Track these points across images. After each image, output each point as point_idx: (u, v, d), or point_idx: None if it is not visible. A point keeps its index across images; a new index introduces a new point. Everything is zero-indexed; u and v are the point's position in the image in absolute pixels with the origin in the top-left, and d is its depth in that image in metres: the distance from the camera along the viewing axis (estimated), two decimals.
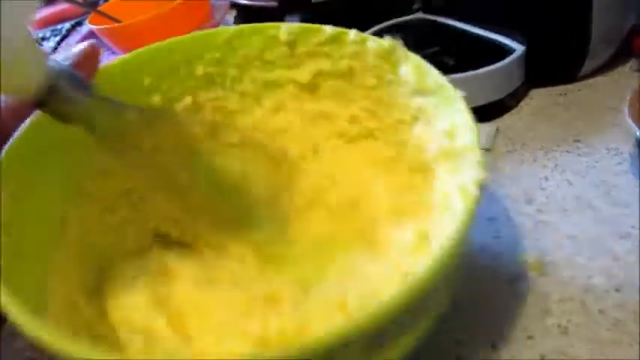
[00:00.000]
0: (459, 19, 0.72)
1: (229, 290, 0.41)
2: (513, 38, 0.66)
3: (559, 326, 0.41)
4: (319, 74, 0.50)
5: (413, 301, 0.27)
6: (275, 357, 0.25)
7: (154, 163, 0.44)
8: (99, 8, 0.96)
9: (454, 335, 0.42)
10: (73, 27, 1.10)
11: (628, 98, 0.52)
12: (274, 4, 0.82)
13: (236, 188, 0.50)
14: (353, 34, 0.46)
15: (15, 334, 0.34)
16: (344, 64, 0.48)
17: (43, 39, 1.08)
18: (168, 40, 0.48)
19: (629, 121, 0.50)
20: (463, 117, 0.37)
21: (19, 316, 0.28)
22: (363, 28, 0.47)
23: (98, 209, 0.45)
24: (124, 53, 0.49)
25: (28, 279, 0.34)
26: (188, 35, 0.49)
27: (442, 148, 0.40)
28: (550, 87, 0.69)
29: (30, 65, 0.33)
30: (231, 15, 0.99)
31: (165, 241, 0.48)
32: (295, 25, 0.48)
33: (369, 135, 0.50)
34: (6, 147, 0.38)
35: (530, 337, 0.41)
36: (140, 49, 0.48)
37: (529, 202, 0.53)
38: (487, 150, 0.60)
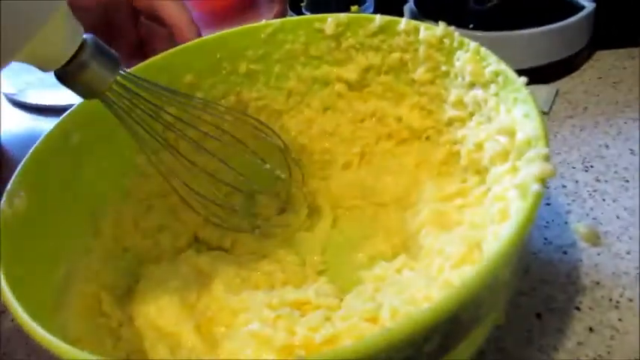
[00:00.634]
0: None
1: (261, 295, 0.39)
2: None
3: (610, 299, 0.39)
4: (368, 70, 0.47)
5: (448, 318, 0.24)
6: None
7: (194, 165, 0.43)
8: None
9: None
10: None
11: None
12: None
13: (277, 193, 0.49)
14: (404, 22, 0.43)
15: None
16: (394, 57, 0.45)
17: None
18: (211, 36, 0.48)
19: None
20: (526, 107, 0.33)
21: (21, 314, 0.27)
22: None
23: (135, 210, 0.44)
24: None
25: (46, 277, 0.34)
26: (231, 30, 0.47)
27: (501, 145, 0.36)
28: (617, 49, 0.64)
29: (65, 36, 0.32)
30: None
31: (203, 245, 0.47)
32: (342, 16, 0.46)
33: (422, 135, 0.47)
34: (39, 140, 0.38)
35: (577, 309, 0.39)
36: (183, 45, 0.47)
37: (586, 169, 0.50)
38: (545, 114, 0.56)
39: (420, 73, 0.44)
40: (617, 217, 0.45)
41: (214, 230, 0.47)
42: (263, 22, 0.47)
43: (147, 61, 0.46)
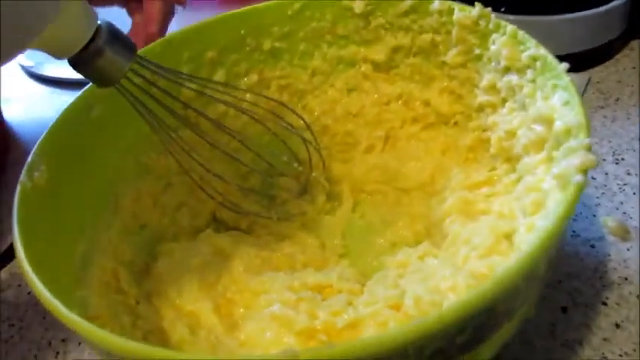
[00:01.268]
0: None
1: (282, 277, 0.39)
2: None
3: (638, 296, 0.38)
4: (397, 51, 0.46)
5: (485, 309, 0.23)
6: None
7: (214, 142, 0.42)
8: None
9: None
10: None
11: None
12: None
13: (296, 176, 0.48)
14: (438, 2, 0.42)
15: None
16: (425, 38, 0.44)
17: None
18: (236, 11, 0.46)
19: None
20: (567, 95, 0.32)
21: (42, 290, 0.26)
22: None
23: (154, 187, 0.43)
24: None
25: (66, 252, 0.33)
26: (256, 6, 0.46)
27: (536, 134, 0.35)
28: None
29: (79, 22, 0.31)
30: None
31: (221, 225, 0.46)
32: None
33: (450, 120, 0.46)
34: (60, 112, 0.37)
35: (604, 304, 0.38)
36: (206, 20, 0.46)
37: (617, 162, 0.48)
38: None
39: (452, 55, 0.43)
40: None
41: (232, 211, 0.47)
42: None
43: (167, 36, 0.46)
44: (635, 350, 0.36)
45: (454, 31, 0.41)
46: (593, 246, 0.43)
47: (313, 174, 0.47)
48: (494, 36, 0.39)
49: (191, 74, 0.42)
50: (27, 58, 0.78)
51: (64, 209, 0.35)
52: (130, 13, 0.57)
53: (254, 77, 0.47)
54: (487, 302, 0.23)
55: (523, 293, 0.26)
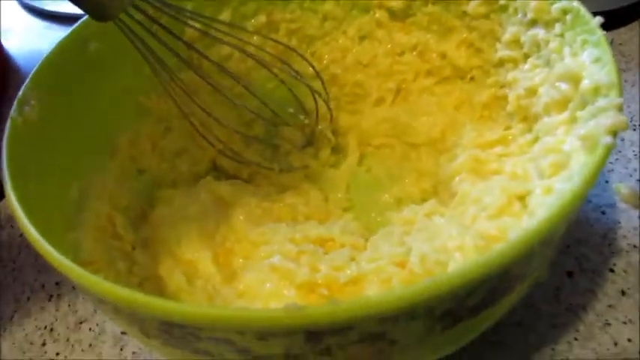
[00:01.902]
0: None
1: (283, 228, 0.38)
2: None
3: None
4: None
5: (499, 272, 0.22)
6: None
7: (217, 86, 0.41)
8: None
9: None
10: None
11: None
12: None
13: (304, 125, 0.46)
14: None
15: None
16: None
17: None
18: None
19: None
20: (598, 52, 0.30)
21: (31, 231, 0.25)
22: None
23: (153, 130, 0.42)
24: None
25: (58, 194, 0.32)
26: None
27: (560, 92, 0.33)
28: None
29: None
30: None
31: (222, 174, 0.45)
32: None
33: (466, 75, 0.44)
34: (53, 46, 0.35)
35: (611, 271, 0.38)
36: None
37: (634, 128, 0.46)
38: None
39: (474, 5, 0.40)
40: None
41: (235, 157, 0.45)
42: None
43: None
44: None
45: None
46: (603, 212, 0.42)
47: (319, 127, 0.46)
48: None
49: (195, 12, 0.40)
50: None
51: (56, 148, 0.33)
52: None
53: (262, 19, 0.45)
54: (503, 265, 0.22)
55: (538, 258, 0.25)
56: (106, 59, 0.38)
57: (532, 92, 0.37)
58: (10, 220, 0.47)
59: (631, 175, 0.44)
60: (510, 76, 0.39)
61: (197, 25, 0.40)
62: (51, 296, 0.41)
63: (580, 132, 0.28)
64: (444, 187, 0.40)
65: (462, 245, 0.32)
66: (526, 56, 0.38)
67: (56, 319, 0.40)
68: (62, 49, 0.35)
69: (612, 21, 0.56)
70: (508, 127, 0.40)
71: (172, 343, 0.24)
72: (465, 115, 0.43)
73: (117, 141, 0.39)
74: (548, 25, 0.35)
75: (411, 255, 0.33)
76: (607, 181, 0.44)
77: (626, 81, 0.51)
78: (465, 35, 0.43)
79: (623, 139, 0.46)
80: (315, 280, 0.33)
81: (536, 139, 0.36)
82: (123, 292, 0.22)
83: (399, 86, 0.47)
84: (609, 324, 0.36)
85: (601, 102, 0.28)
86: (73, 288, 0.41)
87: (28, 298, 0.41)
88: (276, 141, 0.47)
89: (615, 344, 0.35)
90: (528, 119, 0.38)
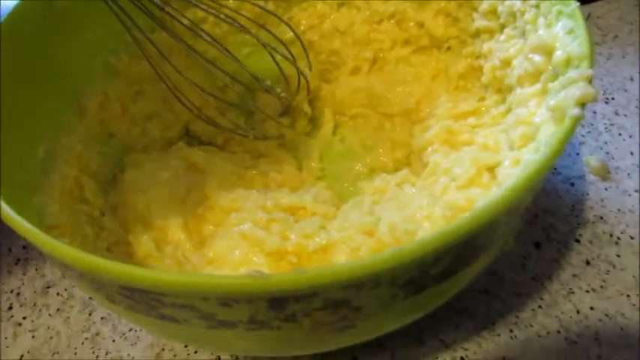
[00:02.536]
0: None
1: (255, 196, 0.37)
2: None
3: (611, 235, 0.39)
4: None
5: (464, 241, 0.23)
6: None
7: (191, 50, 0.40)
8: None
9: None
10: None
11: None
12: None
13: (271, 89, 0.44)
14: None
15: None
16: None
17: None
18: None
19: None
20: (572, 23, 0.30)
21: None
22: None
23: (124, 93, 0.41)
24: None
25: (23, 155, 0.31)
26: None
27: (533, 64, 0.33)
28: None
29: None
30: None
31: (195, 140, 0.45)
32: None
33: (443, 44, 0.43)
34: (17, 3, 0.33)
35: (577, 241, 0.39)
36: None
37: (607, 101, 0.47)
38: None
39: None
40: (631, 154, 0.44)
41: (207, 125, 0.44)
42: None
43: None
44: (602, 287, 0.37)
45: None
46: (572, 184, 0.42)
47: (298, 96, 0.45)
48: None
49: None
50: None
51: (21, 107, 0.32)
52: None
53: None
54: (467, 234, 0.22)
55: (504, 227, 0.26)
56: (73, 15, 0.36)
57: (507, 63, 0.37)
58: None
59: (601, 148, 0.44)
60: (486, 46, 0.39)
61: None
62: (18, 260, 0.41)
63: (550, 103, 0.28)
64: (417, 158, 0.41)
65: (430, 215, 0.33)
66: (502, 27, 0.37)
67: (23, 283, 0.40)
68: (28, 5, 0.34)
69: None
70: (482, 99, 0.40)
71: (137, 309, 0.24)
72: (441, 85, 0.43)
73: (85, 101, 0.38)
74: None
75: (379, 224, 0.33)
76: (578, 154, 0.44)
77: (600, 54, 0.51)
78: (442, 4, 0.42)
79: (595, 112, 0.47)
80: (284, 248, 0.33)
81: (509, 111, 0.37)
82: (83, 256, 0.21)
83: (376, 55, 0.46)
84: (573, 292, 0.37)
85: (571, 73, 0.28)
86: (41, 253, 0.41)
87: None
88: (252, 108, 0.46)
89: (578, 312, 0.36)
90: (502, 91, 0.38)
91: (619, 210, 0.40)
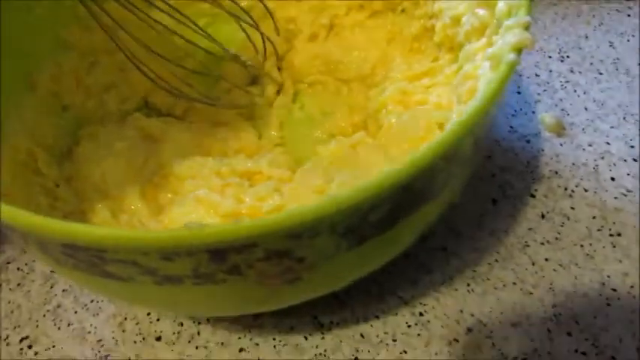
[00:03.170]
0: None
1: (210, 162, 0.37)
2: None
3: (565, 189, 0.40)
4: None
5: (397, 187, 0.23)
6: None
7: (149, 21, 0.39)
8: None
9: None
10: None
11: None
12: None
13: (236, 58, 0.45)
14: None
15: None
16: None
17: None
18: None
19: None
20: None
21: None
22: None
23: (77, 65, 0.40)
24: None
25: None
26: None
27: (479, 18, 0.33)
28: None
29: None
30: None
31: (154, 112, 0.44)
32: None
33: (397, 7, 0.44)
34: None
35: (532, 196, 0.40)
36: None
37: (562, 60, 0.48)
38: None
39: None
40: (585, 109, 0.44)
41: (166, 95, 0.44)
42: None
43: None
44: (557, 239, 0.38)
45: None
46: (528, 141, 0.43)
47: (266, 62, 0.45)
48: None
49: None
50: None
51: None
52: None
53: None
54: (402, 180, 0.23)
55: (443, 173, 0.26)
56: None
57: (456, 21, 0.37)
58: None
59: (557, 105, 0.45)
60: (437, 6, 0.39)
61: None
62: None
63: (489, 52, 0.29)
64: (373, 120, 0.41)
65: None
66: None
67: None
68: None
69: None
70: (436, 59, 0.41)
71: (81, 268, 0.24)
72: (396, 48, 0.43)
73: (36, 74, 0.38)
74: None
75: (332, 184, 0.34)
76: (534, 112, 0.45)
77: (556, 14, 0.52)
78: None
79: (551, 71, 0.47)
80: (238, 210, 0.33)
81: (460, 68, 0.37)
82: (21, 214, 0.22)
83: (332, 21, 0.46)
84: (528, 245, 0.38)
85: (508, 21, 0.28)
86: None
87: None
88: (220, 77, 0.45)
89: (533, 264, 0.37)
90: (454, 49, 0.39)
91: (573, 164, 0.41)
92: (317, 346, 0.34)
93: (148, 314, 0.36)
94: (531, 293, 0.35)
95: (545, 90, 0.46)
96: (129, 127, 0.40)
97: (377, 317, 0.35)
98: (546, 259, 0.37)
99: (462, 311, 0.35)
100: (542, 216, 0.39)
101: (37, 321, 0.36)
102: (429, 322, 0.35)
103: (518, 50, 0.27)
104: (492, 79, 0.26)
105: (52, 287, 0.38)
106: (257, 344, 0.35)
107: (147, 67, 0.40)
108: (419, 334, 0.34)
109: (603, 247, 0.37)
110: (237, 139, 0.41)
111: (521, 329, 0.34)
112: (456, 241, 0.38)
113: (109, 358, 0.35)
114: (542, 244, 0.38)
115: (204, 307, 0.30)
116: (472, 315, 0.35)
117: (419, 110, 0.37)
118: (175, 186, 0.36)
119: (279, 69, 0.47)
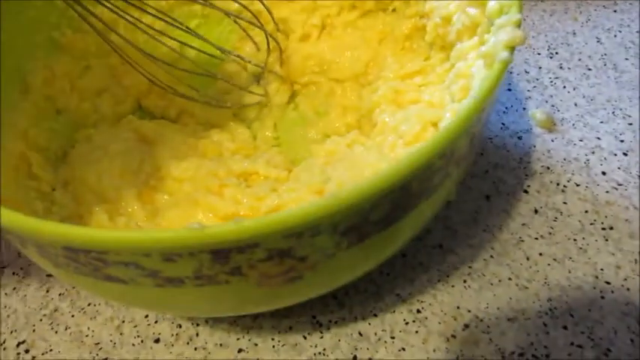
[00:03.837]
0: None
1: (207, 164, 0.37)
2: None
3: (558, 184, 0.40)
4: None
5: (397, 186, 0.23)
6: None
7: (140, 25, 0.39)
8: None
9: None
10: None
11: None
12: None
13: (225, 62, 0.45)
14: None
15: None
16: None
17: None
18: None
19: None
20: None
21: None
22: None
23: (70, 69, 0.40)
24: None
25: None
26: None
27: (470, 18, 0.34)
28: None
29: None
30: None
31: (147, 115, 0.44)
32: None
33: (388, 7, 0.44)
34: None
35: (526, 192, 0.40)
36: None
37: (551, 56, 0.49)
38: None
39: None
40: (575, 105, 0.45)
41: (159, 99, 0.44)
42: None
43: None
44: (550, 233, 0.38)
45: None
46: (520, 137, 0.43)
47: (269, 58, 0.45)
48: None
49: None
50: None
51: None
52: None
53: None
54: (401, 179, 0.23)
55: (440, 172, 0.26)
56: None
57: (447, 20, 0.37)
58: None
59: (547, 101, 0.45)
60: (428, 5, 0.40)
61: None
62: None
63: (482, 50, 0.29)
64: (367, 120, 0.41)
65: (378, 171, 0.33)
66: None
67: None
68: None
69: None
70: (428, 58, 0.41)
71: (82, 271, 0.24)
72: (388, 47, 0.44)
73: (29, 78, 0.37)
74: None
75: (329, 184, 0.34)
76: (525, 108, 0.45)
77: (544, 10, 0.52)
78: None
79: (540, 67, 0.48)
80: (237, 212, 0.33)
81: (452, 67, 0.37)
82: (20, 218, 0.21)
83: (324, 21, 0.46)
84: (522, 240, 0.38)
85: (500, 19, 0.28)
86: None
87: None
88: (223, 79, 0.45)
89: (528, 259, 0.37)
90: (446, 48, 0.39)
91: (565, 159, 0.42)
92: (316, 345, 0.34)
93: (146, 316, 0.36)
94: (526, 288, 0.36)
95: (535, 86, 0.47)
96: (123, 129, 0.40)
97: (375, 315, 0.35)
98: (540, 254, 0.37)
99: (458, 307, 0.35)
100: (536, 211, 0.39)
101: (33, 325, 0.36)
102: (426, 318, 0.35)
103: (511, 48, 0.27)
104: (487, 77, 0.26)
105: (48, 291, 0.38)
106: (256, 344, 0.35)
107: (142, 68, 0.40)
108: (417, 331, 0.35)
109: (596, 240, 0.37)
110: (233, 141, 0.41)
111: (518, 324, 0.34)
112: (452, 238, 0.38)
113: None
114: (536, 239, 0.38)
115: (205, 308, 0.30)
116: (469, 311, 0.35)
117: (412, 109, 0.37)
118: (172, 188, 0.36)
119: (282, 64, 0.47)
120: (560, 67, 0.48)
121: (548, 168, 0.41)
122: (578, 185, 0.40)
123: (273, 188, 0.35)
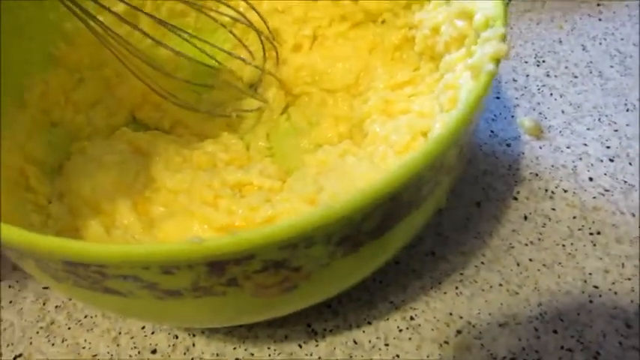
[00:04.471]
0: None
1: (202, 175, 0.38)
2: None
3: (546, 190, 0.41)
4: None
5: (387, 197, 0.24)
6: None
7: (133, 36, 0.40)
8: None
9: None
10: None
11: None
12: None
13: (222, 71, 0.46)
14: None
15: None
16: None
17: None
18: None
19: None
20: None
21: None
22: None
23: (64, 82, 0.40)
24: None
25: None
26: None
27: (458, 29, 0.34)
28: None
29: None
30: None
31: (141, 127, 0.44)
32: None
33: (377, 18, 0.45)
34: None
35: (515, 199, 0.41)
36: None
37: (538, 64, 0.50)
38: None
39: None
40: (562, 112, 0.46)
41: (153, 110, 0.45)
42: None
43: None
44: (539, 239, 0.39)
45: None
46: (509, 145, 0.44)
47: (267, 69, 0.45)
48: None
49: None
50: None
51: None
52: None
53: None
54: (391, 191, 0.24)
55: (430, 182, 0.27)
56: (5, 7, 0.36)
57: (436, 31, 0.38)
58: None
59: (534, 109, 0.46)
60: (417, 17, 0.41)
61: None
62: None
63: (468, 62, 0.30)
64: (358, 129, 0.42)
65: (370, 181, 0.34)
66: None
67: None
68: None
69: None
70: (417, 68, 0.42)
71: (82, 284, 0.25)
72: (378, 58, 0.44)
73: (26, 93, 0.38)
74: None
75: (322, 193, 0.34)
76: (513, 116, 0.46)
77: (531, 20, 0.54)
78: None
79: (527, 75, 0.49)
80: (232, 222, 0.34)
81: (441, 77, 0.38)
82: (19, 232, 0.22)
83: (315, 33, 0.47)
84: (513, 247, 0.39)
85: (486, 33, 0.29)
86: None
87: None
88: (226, 84, 0.46)
89: (518, 265, 0.38)
90: (435, 58, 0.40)
91: (552, 166, 0.43)
92: (311, 354, 0.35)
93: (143, 328, 0.36)
94: (517, 293, 0.37)
95: (523, 94, 0.47)
96: (117, 141, 0.40)
97: (369, 323, 0.36)
98: (530, 260, 0.38)
99: (451, 314, 0.36)
100: (525, 217, 0.40)
101: (30, 338, 0.36)
102: (419, 325, 0.36)
103: (497, 60, 0.28)
104: (473, 88, 0.27)
105: (44, 304, 0.38)
106: (252, 354, 0.35)
107: (142, 74, 0.41)
108: (410, 338, 0.35)
109: (584, 245, 0.38)
110: (226, 151, 0.42)
111: (509, 329, 0.35)
112: (443, 245, 0.39)
113: None
114: (526, 245, 0.39)
115: (202, 319, 0.30)
116: (461, 317, 0.36)
117: (403, 119, 0.38)
118: (167, 199, 0.37)
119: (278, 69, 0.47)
120: (547, 75, 0.49)
121: (537, 175, 0.42)
122: (565, 191, 0.41)
123: (267, 198, 0.36)
